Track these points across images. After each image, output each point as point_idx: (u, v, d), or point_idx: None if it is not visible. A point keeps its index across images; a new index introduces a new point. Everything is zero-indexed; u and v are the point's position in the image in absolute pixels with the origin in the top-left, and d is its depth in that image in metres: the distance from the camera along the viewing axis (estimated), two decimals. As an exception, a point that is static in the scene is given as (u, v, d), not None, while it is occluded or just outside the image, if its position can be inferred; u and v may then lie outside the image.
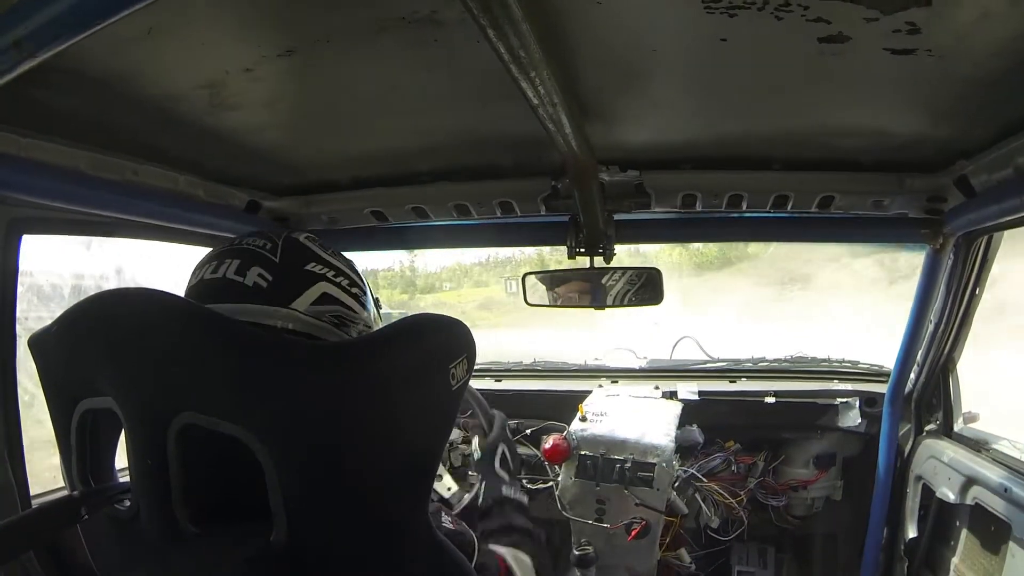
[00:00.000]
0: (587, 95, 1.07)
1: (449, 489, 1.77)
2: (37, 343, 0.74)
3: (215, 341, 0.63)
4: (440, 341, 0.72)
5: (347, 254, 0.87)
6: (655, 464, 1.84)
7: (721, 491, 2.04)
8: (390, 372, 0.65)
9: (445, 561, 0.75)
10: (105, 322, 0.69)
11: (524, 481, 1.34)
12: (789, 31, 0.82)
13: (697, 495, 2.01)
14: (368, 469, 0.64)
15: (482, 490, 1.26)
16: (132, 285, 1.69)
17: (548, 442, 1.94)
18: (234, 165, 1.43)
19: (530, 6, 0.73)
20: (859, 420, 2.05)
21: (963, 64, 0.90)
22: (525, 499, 1.28)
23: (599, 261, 1.64)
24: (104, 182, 1.19)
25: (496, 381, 2.36)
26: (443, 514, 1.00)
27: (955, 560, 1.69)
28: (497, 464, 1.33)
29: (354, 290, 0.82)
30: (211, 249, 0.83)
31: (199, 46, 0.88)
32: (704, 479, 2.02)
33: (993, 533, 1.50)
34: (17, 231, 1.14)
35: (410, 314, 0.75)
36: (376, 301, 0.90)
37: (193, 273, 0.80)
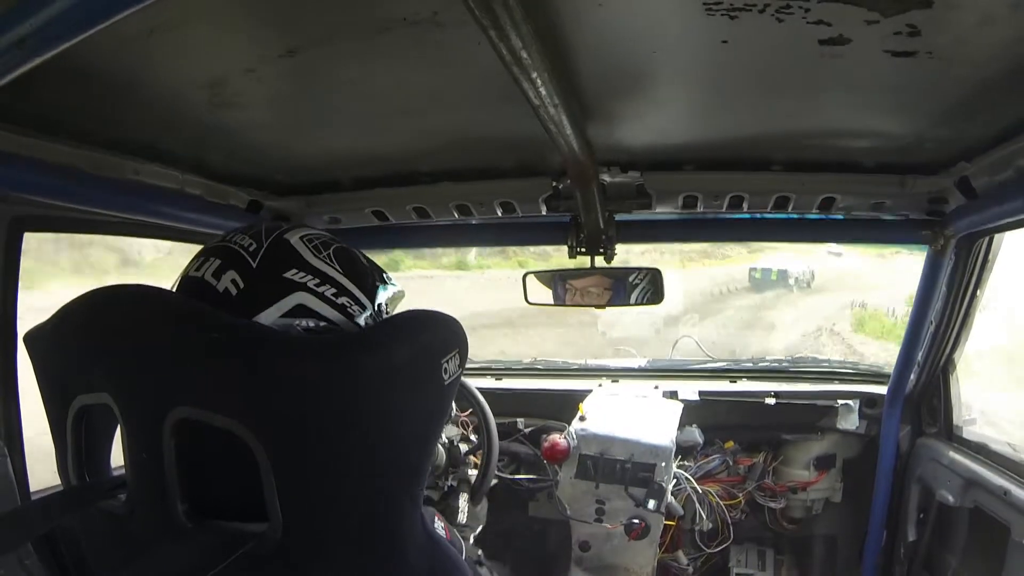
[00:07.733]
0: (588, 96, 1.07)
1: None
2: (32, 340, 0.74)
3: (208, 338, 0.63)
4: (432, 337, 0.72)
5: None
6: (655, 464, 1.84)
7: (719, 494, 2.04)
8: (382, 367, 0.65)
9: (439, 555, 0.75)
10: (99, 319, 0.69)
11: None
12: (790, 33, 0.82)
13: (694, 497, 2.01)
14: (361, 464, 0.64)
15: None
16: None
17: (548, 442, 1.95)
18: (235, 164, 1.43)
19: (531, 7, 0.73)
20: (859, 422, 2.05)
21: (963, 66, 0.90)
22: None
23: (600, 261, 1.64)
24: (105, 181, 1.19)
25: (496, 380, 2.35)
26: (436, 519, 0.99)
27: (954, 562, 1.69)
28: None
29: (340, 300, 0.74)
30: None
31: (201, 46, 0.88)
32: (702, 482, 2.02)
33: (992, 536, 1.50)
34: (19, 229, 1.14)
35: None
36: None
37: (185, 266, 0.76)
